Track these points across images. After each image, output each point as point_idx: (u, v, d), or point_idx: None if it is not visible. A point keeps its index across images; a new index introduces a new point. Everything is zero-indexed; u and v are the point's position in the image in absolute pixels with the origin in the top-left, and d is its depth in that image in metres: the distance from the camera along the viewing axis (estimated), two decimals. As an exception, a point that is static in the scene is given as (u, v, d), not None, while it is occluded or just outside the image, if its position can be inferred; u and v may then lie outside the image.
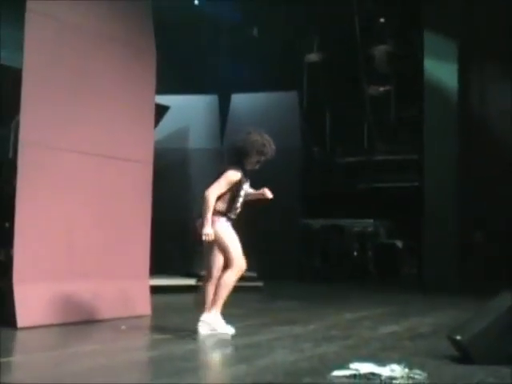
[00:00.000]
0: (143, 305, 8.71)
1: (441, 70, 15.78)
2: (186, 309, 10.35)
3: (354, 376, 4.95)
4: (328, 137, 21.66)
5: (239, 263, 6.78)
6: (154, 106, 9.28)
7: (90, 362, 5.52)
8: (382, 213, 19.73)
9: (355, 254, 19.28)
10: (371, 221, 19.91)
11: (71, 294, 7.72)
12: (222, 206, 6.85)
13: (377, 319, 8.83)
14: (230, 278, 6.76)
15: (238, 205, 6.95)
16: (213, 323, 6.73)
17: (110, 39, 8.47)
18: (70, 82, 7.93)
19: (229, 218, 6.91)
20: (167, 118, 14.72)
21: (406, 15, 19.07)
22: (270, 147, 6.96)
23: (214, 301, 6.76)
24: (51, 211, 7.63)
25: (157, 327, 7.87)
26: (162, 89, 10.15)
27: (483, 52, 15.63)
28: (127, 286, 8.48)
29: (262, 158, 6.98)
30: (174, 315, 8.92)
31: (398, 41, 20.50)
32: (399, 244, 19.35)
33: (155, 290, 9.66)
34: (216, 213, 6.81)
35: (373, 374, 4.98)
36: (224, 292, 6.75)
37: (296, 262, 15.94)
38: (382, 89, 21.14)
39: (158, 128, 12.25)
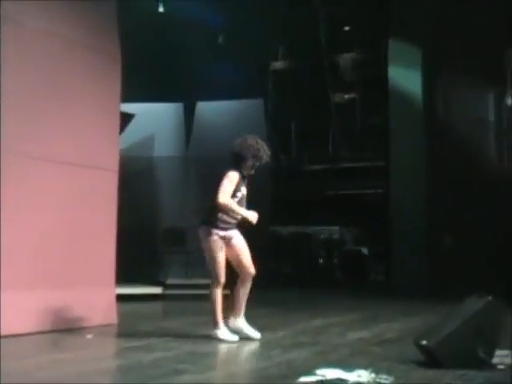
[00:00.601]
0: (109, 313, 8.62)
1: (405, 78, 15.91)
2: (153, 317, 10.33)
3: (321, 382, 4.95)
4: (294, 144, 21.70)
5: (216, 280, 7.12)
6: (118, 113, 9.23)
7: (57, 371, 5.45)
8: (348, 220, 19.78)
9: (321, 261, 19.31)
10: (337, 228, 19.96)
11: (38, 303, 7.62)
12: (219, 213, 7.07)
13: (345, 325, 8.84)
14: (212, 293, 7.17)
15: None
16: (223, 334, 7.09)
17: (77, 46, 8.39)
18: (38, 89, 7.86)
19: (224, 229, 7.10)
20: (132, 126, 14.62)
21: (371, 23, 19.17)
22: (265, 152, 7.18)
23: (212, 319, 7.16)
24: (19, 219, 7.55)
25: (124, 335, 7.80)
26: (127, 97, 10.08)
27: (448, 59, 15.75)
28: (93, 295, 8.38)
29: (257, 163, 7.18)
30: (141, 323, 8.85)
31: (364, 49, 20.59)
32: (365, 251, 19.41)
33: (122, 298, 9.59)
34: (211, 223, 7.09)
35: (340, 379, 4.99)
36: (213, 308, 7.13)
37: (265, 269, 15.91)
38: (347, 96, 21.21)
39: (123, 136, 12.17)
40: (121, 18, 9.35)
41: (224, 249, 7.14)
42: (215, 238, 7.07)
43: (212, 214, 7.11)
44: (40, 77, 7.90)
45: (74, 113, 8.33)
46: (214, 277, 7.13)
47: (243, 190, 7.20)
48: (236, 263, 7.26)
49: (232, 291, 7.38)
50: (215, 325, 7.10)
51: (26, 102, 7.70)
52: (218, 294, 7.14)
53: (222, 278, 7.13)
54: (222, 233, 7.10)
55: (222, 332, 7.05)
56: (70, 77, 8.35)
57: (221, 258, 7.09)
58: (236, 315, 7.22)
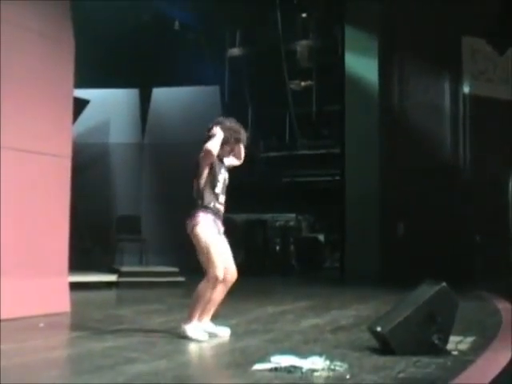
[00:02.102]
0: (62, 301, 8.51)
1: (361, 65, 15.92)
2: (107, 305, 10.26)
3: (276, 369, 4.94)
4: (250, 131, 21.66)
5: (215, 274, 6.34)
6: (72, 99, 9.10)
7: (6, 361, 5.35)
8: (304, 207, 19.81)
9: (277, 248, 19.32)
10: (293, 215, 19.98)
11: (-13, 292, 7.52)
12: (206, 197, 6.50)
13: (299, 313, 8.85)
14: (204, 289, 6.39)
15: (218, 190, 6.55)
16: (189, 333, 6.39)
17: (26, 30, 8.24)
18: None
19: (215, 213, 6.51)
20: (87, 112, 14.52)
21: (327, 10, 19.17)
22: (244, 135, 6.83)
23: (189, 312, 6.48)
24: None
25: (76, 324, 7.73)
26: (81, 82, 9.97)
27: (404, 47, 15.80)
28: (45, 283, 8.27)
29: (236, 147, 6.80)
30: (94, 312, 8.77)
31: (320, 36, 20.61)
32: (321, 238, 19.47)
33: (76, 286, 9.51)
34: (200, 207, 6.48)
35: (294, 366, 4.97)
36: (196, 304, 6.41)
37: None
38: (303, 83, 21.22)
39: (77, 122, 12.06)
40: (75, 3, 9.23)
41: (217, 235, 6.50)
42: (204, 222, 6.41)
43: (197, 201, 6.51)
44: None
45: (24, 99, 8.19)
46: (209, 271, 6.35)
47: (224, 174, 6.68)
48: None
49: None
50: (188, 319, 6.43)
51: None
52: (210, 292, 6.37)
53: (220, 272, 6.35)
54: (212, 216, 6.50)
55: (192, 328, 6.38)
56: (21, 63, 8.19)
57: (215, 244, 6.40)
58: (201, 318, 6.54)
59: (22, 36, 8.20)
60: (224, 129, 6.67)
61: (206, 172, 6.56)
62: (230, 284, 6.62)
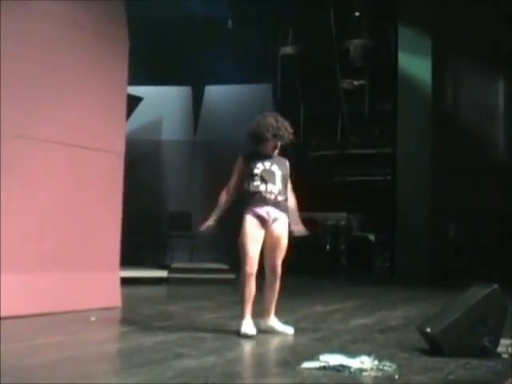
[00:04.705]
0: (113, 296, 8.61)
1: (415, 65, 15.84)
2: (157, 301, 10.33)
3: (324, 368, 4.93)
4: (302, 130, 21.63)
5: (244, 269, 6.43)
6: (125, 96, 9.18)
7: (58, 353, 5.44)
8: (355, 206, 19.75)
9: (328, 247, 19.29)
10: (344, 214, 19.92)
11: (41, 285, 7.63)
12: (247, 193, 6.58)
13: (348, 312, 8.83)
14: (240, 284, 6.50)
15: (258, 182, 6.53)
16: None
17: (80, 27, 8.33)
18: (41, 71, 7.82)
19: (260, 204, 6.47)
20: (140, 110, 14.64)
21: (381, 9, 19.09)
22: (287, 131, 6.69)
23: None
24: (23, 201, 7.55)
25: (127, 319, 7.80)
26: (135, 80, 10.05)
27: (457, 47, 15.68)
28: (97, 278, 8.38)
29: (279, 143, 6.69)
30: (145, 307, 8.85)
31: (373, 35, 20.49)
32: (372, 237, 19.39)
33: (126, 281, 9.60)
34: (245, 205, 6.55)
35: (342, 365, 4.96)
36: (240, 300, 6.52)
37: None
38: (356, 82, 21.13)
39: (130, 119, 12.17)
40: (129, 2, 9.31)
41: (259, 230, 6.48)
42: (245, 218, 6.47)
43: (244, 198, 6.60)
44: (44, 59, 7.86)
45: (79, 95, 8.30)
46: (242, 264, 6.45)
47: (266, 165, 6.59)
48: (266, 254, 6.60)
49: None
50: (241, 316, 6.49)
51: (28, 85, 7.67)
52: (245, 285, 6.40)
53: (249, 267, 6.41)
54: (257, 209, 6.49)
55: (244, 323, 6.43)
56: (76, 60, 8.31)
57: (250, 239, 6.43)
58: (265, 315, 6.70)
59: (74, 33, 8.29)
60: (264, 125, 6.60)
61: (235, 176, 6.69)
62: (272, 278, 6.63)
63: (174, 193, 16.36)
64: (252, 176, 6.56)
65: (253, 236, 6.43)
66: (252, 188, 6.54)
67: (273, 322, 6.72)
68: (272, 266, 6.61)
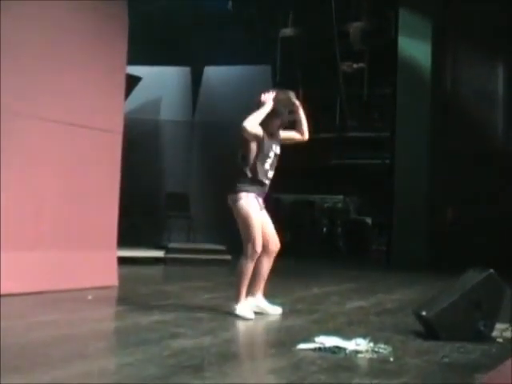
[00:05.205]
0: (110, 275, 8.63)
1: (415, 49, 15.76)
2: (154, 280, 10.37)
3: (319, 349, 4.96)
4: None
5: (254, 248, 6.30)
6: (124, 76, 9.17)
7: (54, 331, 5.47)
8: (352, 189, 19.73)
9: (324, 230, 19.29)
10: (341, 197, 19.92)
11: (37, 264, 7.65)
12: (256, 171, 6.35)
13: (344, 295, 8.85)
14: (244, 265, 6.35)
15: (267, 166, 6.42)
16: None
17: (79, 4, 8.30)
18: (39, 48, 7.80)
19: (260, 188, 6.43)
20: (139, 89, 14.62)
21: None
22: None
23: (235, 291, 6.46)
24: (21, 180, 7.55)
25: (123, 298, 7.84)
26: (134, 59, 10.02)
27: (457, 31, 15.64)
28: (94, 257, 8.39)
29: (288, 119, 6.52)
30: (141, 286, 8.89)
31: (373, 18, 20.42)
32: (369, 221, 19.39)
33: (123, 261, 9.63)
34: (247, 182, 6.36)
35: (338, 347, 4.99)
36: (240, 282, 6.37)
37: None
38: (355, 65, 21.07)
39: (129, 98, 12.15)
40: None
41: (259, 211, 6.42)
42: (247, 199, 6.31)
43: (239, 178, 6.38)
44: (42, 37, 7.83)
45: (78, 75, 8.28)
46: (247, 246, 6.30)
47: (276, 149, 6.47)
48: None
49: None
50: (236, 297, 6.43)
51: (26, 65, 7.64)
52: (250, 267, 6.34)
53: (259, 247, 6.31)
54: (256, 192, 6.40)
55: (241, 307, 6.40)
56: (75, 38, 8.29)
57: (256, 220, 6.33)
58: (253, 293, 6.61)
59: (77, 12, 8.26)
60: (279, 100, 6.44)
61: (253, 146, 6.37)
62: (274, 254, 6.61)
63: (172, 173, 16.37)
64: (265, 157, 6.42)
65: (257, 217, 6.40)
66: (261, 171, 6.40)
67: (262, 301, 6.73)
68: (275, 242, 6.62)
